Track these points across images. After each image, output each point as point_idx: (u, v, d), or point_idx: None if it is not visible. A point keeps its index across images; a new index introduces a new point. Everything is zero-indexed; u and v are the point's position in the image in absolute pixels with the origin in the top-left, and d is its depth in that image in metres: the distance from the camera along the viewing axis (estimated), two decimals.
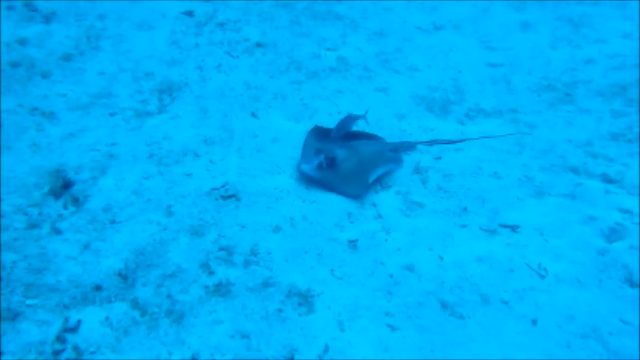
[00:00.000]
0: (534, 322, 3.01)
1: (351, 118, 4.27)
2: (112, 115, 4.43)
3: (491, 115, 4.66)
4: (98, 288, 3.03)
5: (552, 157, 4.20)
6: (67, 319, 2.80)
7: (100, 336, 2.76)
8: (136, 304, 2.96)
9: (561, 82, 5.06)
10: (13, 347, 2.64)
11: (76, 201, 3.61)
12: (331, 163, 3.85)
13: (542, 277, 3.27)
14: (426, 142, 4.31)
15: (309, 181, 3.84)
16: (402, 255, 3.38)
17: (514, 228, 3.59)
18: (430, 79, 5.11)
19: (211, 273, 3.20)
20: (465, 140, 4.33)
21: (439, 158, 4.19)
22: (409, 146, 4.27)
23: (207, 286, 3.12)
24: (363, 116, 4.36)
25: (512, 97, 4.89)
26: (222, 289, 3.10)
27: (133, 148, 4.10)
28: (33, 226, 3.40)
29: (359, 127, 4.43)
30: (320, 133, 4.30)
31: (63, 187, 3.70)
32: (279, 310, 3.01)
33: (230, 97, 4.77)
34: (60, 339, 2.69)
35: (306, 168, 3.88)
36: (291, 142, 4.32)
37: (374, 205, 3.76)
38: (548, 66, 5.27)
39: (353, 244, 3.45)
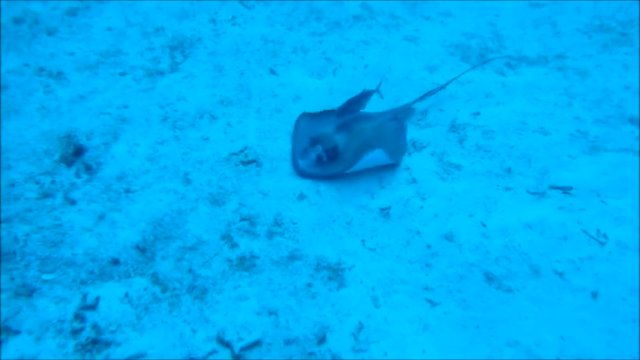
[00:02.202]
0: (594, 295, 2.74)
1: (364, 95, 3.65)
2: (122, 74, 4.14)
3: (535, 63, 4.20)
4: (116, 262, 2.87)
5: (608, 108, 3.77)
6: (85, 296, 2.66)
7: (119, 314, 2.62)
8: (156, 279, 2.80)
9: (616, 21, 4.50)
10: (31, 325, 2.52)
11: (89, 169, 3.41)
12: (332, 153, 3.29)
13: (602, 244, 2.96)
14: (418, 99, 3.74)
15: (310, 178, 3.35)
16: (439, 223, 3.11)
17: (566, 190, 3.24)
18: (465, 25, 4.61)
19: (234, 245, 3.00)
20: (453, 80, 3.81)
21: (477, 114, 3.81)
22: (406, 110, 3.72)
23: (230, 260, 2.93)
24: (376, 90, 3.81)
25: (559, 40, 4.39)
26: (246, 263, 2.91)
27: (145, 111, 3.84)
28: (45, 195, 3.22)
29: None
30: (311, 117, 3.72)
31: (75, 153, 3.49)
32: (308, 285, 2.81)
33: (246, 53, 4.40)
34: (78, 317, 2.56)
35: (305, 165, 3.32)
36: (314, 100, 3.99)
37: (407, 168, 3.46)
38: (599, 3, 4.70)
39: (385, 212, 3.19)
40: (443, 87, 3.82)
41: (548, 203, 3.19)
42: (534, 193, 3.25)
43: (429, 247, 2.99)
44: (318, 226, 3.13)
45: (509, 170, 3.40)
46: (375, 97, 3.80)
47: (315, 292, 2.78)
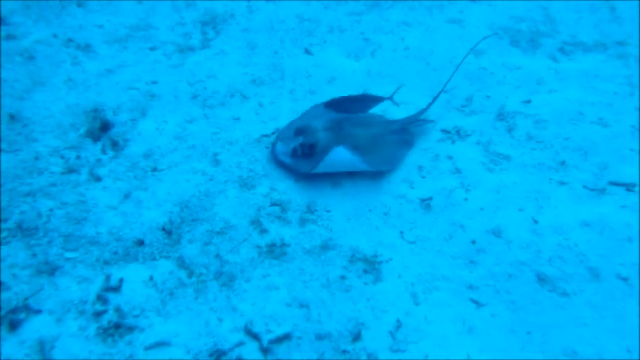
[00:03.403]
0: None
1: (365, 100, 3.31)
2: (151, 49, 3.98)
3: (591, 50, 3.89)
4: (141, 243, 2.73)
5: None
6: (108, 277, 2.53)
7: (143, 297, 2.48)
8: (182, 263, 2.65)
9: None
10: (52, 305, 2.40)
11: (116, 145, 3.27)
12: (308, 151, 2.98)
13: None
14: (425, 108, 3.28)
15: (280, 167, 3.09)
16: (485, 217, 2.88)
17: (630, 186, 2.97)
18: (514, 6, 4.31)
19: (263, 231, 2.83)
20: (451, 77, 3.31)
21: (528, 102, 3.54)
22: (415, 121, 3.30)
23: (259, 246, 2.76)
24: (390, 98, 3.36)
25: (618, 26, 4.06)
26: (276, 251, 2.74)
27: (174, 88, 3.68)
28: (70, 170, 3.10)
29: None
30: (326, 106, 3.36)
31: (101, 128, 3.36)
32: (342, 278, 2.62)
33: (280, 31, 4.20)
34: (101, 299, 2.43)
35: (280, 150, 3.05)
36: (350, 82, 3.77)
37: (450, 157, 3.22)
38: None
39: (426, 203, 2.97)
40: (442, 90, 3.40)
41: (609, 200, 2.92)
42: (592, 189, 2.98)
43: (473, 242, 2.76)
44: (354, 215, 2.93)
45: (563, 163, 3.14)
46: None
47: (349, 285, 2.59)
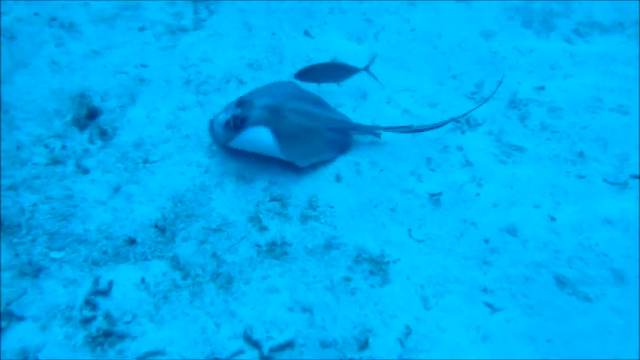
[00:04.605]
0: None
1: (336, 68, 3.16)
2: (140, 30, 3.73)
3: (609, 31, 3.69)
4: (132, 242, 2.55)
5: None
6: (97, 279, 2.36)
7: (135, 302, 2.31)
8: (176, 263, 2.48)
9: None
10: (36, 310, 2.23)
11: (104, 134, 3.06)
12: (240, 124, 2.83)
13: None
14: (385, 127, 3.02)
15: (212, 137, 3.00)
16: (499, 213, 2.72)
17: None
18: None
19: (263, 228, 2.66)
20: (442, 124, 3.03)
21: (541, 88, 3.35)
22: (364, 131, 3.05)
23: (258, 245, 2.59)
24: (366, 69, 3.20)
25: (637, 3, 3.83)
26: (276, 250, 2.57)
27: (166, 72, 3.45)
28: (56, 162, 2.89)
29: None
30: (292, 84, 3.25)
31: (88, 116, 3.14)
32: (347, 279, 2.47)
33: (278, 12, 3.96)
34: (89, 304, 2.26)
35: (218, 120, 2.98)
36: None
37: (460, 148, 3.05)
38: None
39: (435, 198, 2.80)
40: (422, 129, 3.01)
41: (632, 195, 2.76)
42: (613, 183, 2.82)
43: (486, 241, 2.61)
44: (358, 211, 2.76)
45: (581, 154, 2.97)
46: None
47: (354, 288, 2.44)
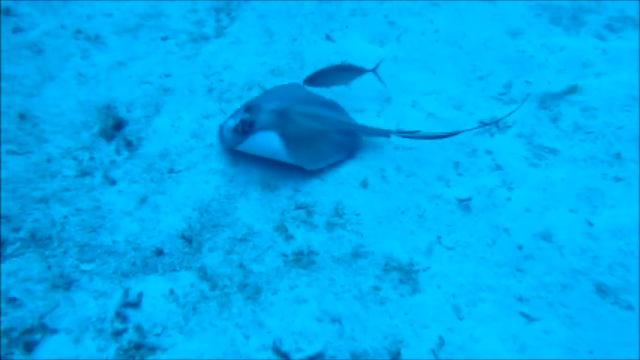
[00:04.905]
0: None
1: (343, 70, 3.10)
2: (163, 39, 3.76)
3: None
4: (159, 253, 2.57)
5: None
6: (126, 291, 2.38)
7: (164, 313, 2.32)
8: (203, 274, 2.49)
9: None
10: (69, 323, 2.26)
11: (130, 144, 3.09)
12: (248, 128, 2.86)
13: None
14: (403, 132, 2.97)
15: (222, 143, 3.01)
16: (532, 219, 2.63)
17: None
18: None
19: (289, 237, 2.64)
20: (458, 133, 2.93)
21: (574, 87, 3.23)
22: (372, 133, 3.01)
23: (285, 255, 2.57)
24: (373, 70, 3.15)
25: None
26: (303, 259, 2.55)
27: (189, 81, 3.47)
28: (84, 173, 2.94)
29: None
30: (297, 88, 3.25)
31: (114, 127, 3.18)
32: (376, 289, 2.43)
33: (299, 16, 3.93)
34: (120, 316, 2.28)
35: (228, 125, 2.99)
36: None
37: (489, 152, 2.97)
38: None
39: (464, 203, 2.74)
40: (439, 136, 2.95)
41: None
42: None
43: (520, 248, 2.53)
44: (385, 218, 2.72)
45: (618, 156, 2.86)
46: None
47: (384, 297, 2.40)
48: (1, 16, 3.75)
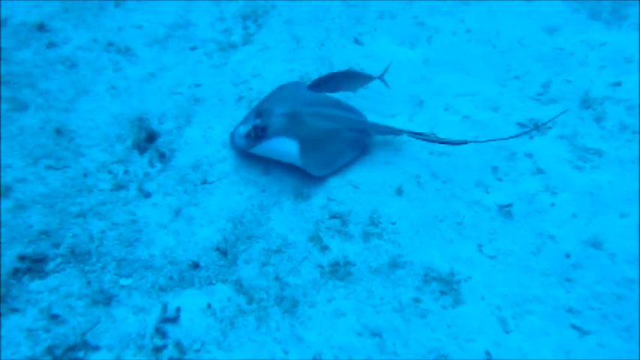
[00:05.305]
0: None
1: (349, 76, 2.97)
2: (192, 49, 3.78)
3: None
4: (196, 266, 2.56)
5: None
6: (165, 306, 2.38)
7: (203, 328, 2.31)
8: (240, 287, 2.47)
9: None
10: (110, 339, 2.28)
11: (163, 156, 3.11)
12: (261, 133, 2.85)
13: None
14: (407, 131, 2.90)
15: (235, 148, 3.01)
16: (579, 225, 2.51)
17: None
18: None
19: (324, 248, 2.60)
20: (464, 142, 2.82)
21: (617, 84, 3.08)
22: (389, 132, 2.95)
23: (321, 266, 2.53)
24: (380, 77, 3.03)
25: None
26: (340, 271, 2.50)
27: (218, 90, 3.47)
28: (119, 187, 2.97)
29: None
30: (298, 87, 3.24)
31: (147, 139, 3.20)
32: (416, 300, 2.36)
33: (326, 20, 3.89)
34: (159, 332, 2.28)
35: (239, 132, 2.97)
36: (405, 73, 3.43)
37: (529, 155, 2.85)
38: None
39: (505, 210, 2.63)
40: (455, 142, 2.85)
41: None
42: None
43: (567, 256, 2.41)
44: (422, 226, 2.64)
45: None
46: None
47: (425, 310, 2.33)
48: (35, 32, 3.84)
